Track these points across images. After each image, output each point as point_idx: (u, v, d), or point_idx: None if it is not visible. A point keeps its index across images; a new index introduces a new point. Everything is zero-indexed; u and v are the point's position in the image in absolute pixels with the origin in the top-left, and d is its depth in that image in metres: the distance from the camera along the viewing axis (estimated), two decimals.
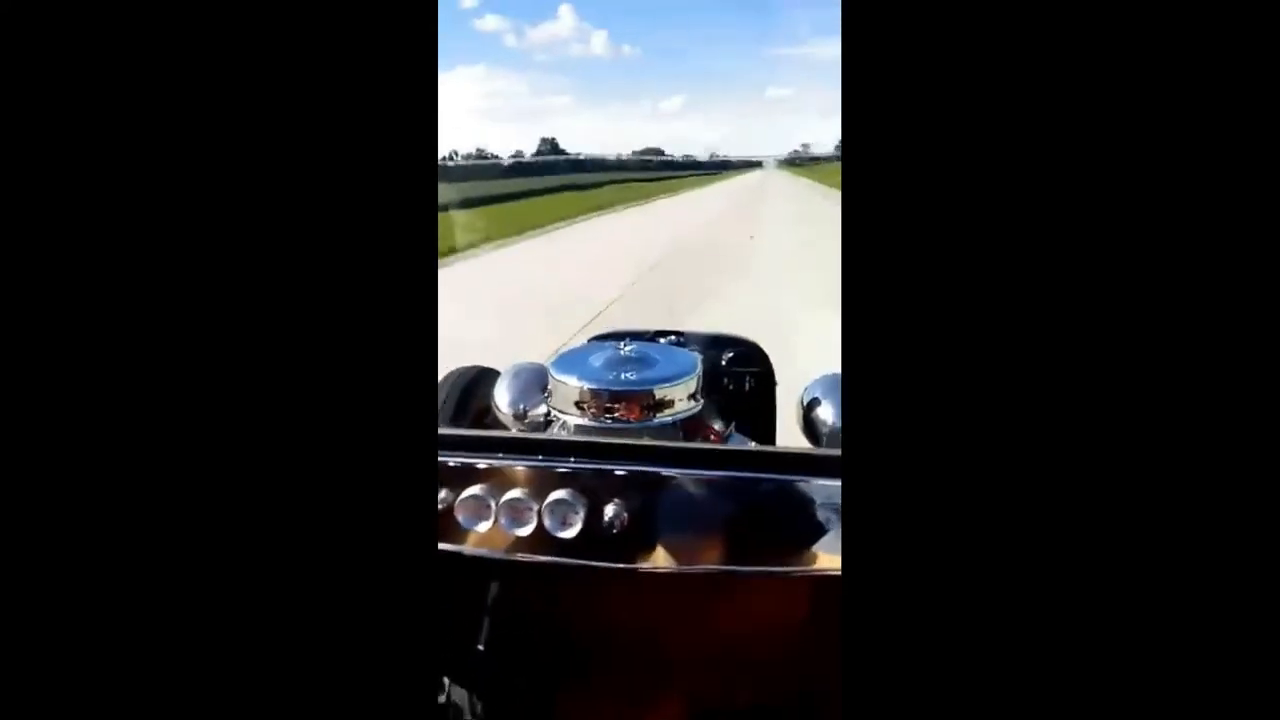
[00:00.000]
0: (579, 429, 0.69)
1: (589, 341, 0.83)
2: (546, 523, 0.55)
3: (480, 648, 0.65)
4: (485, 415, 0.85)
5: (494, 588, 0.64)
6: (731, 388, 0.88)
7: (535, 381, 0.79)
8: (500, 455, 0.58)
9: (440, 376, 0.91)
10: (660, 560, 0.55)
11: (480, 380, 0.90)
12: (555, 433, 0.72)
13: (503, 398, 0.80)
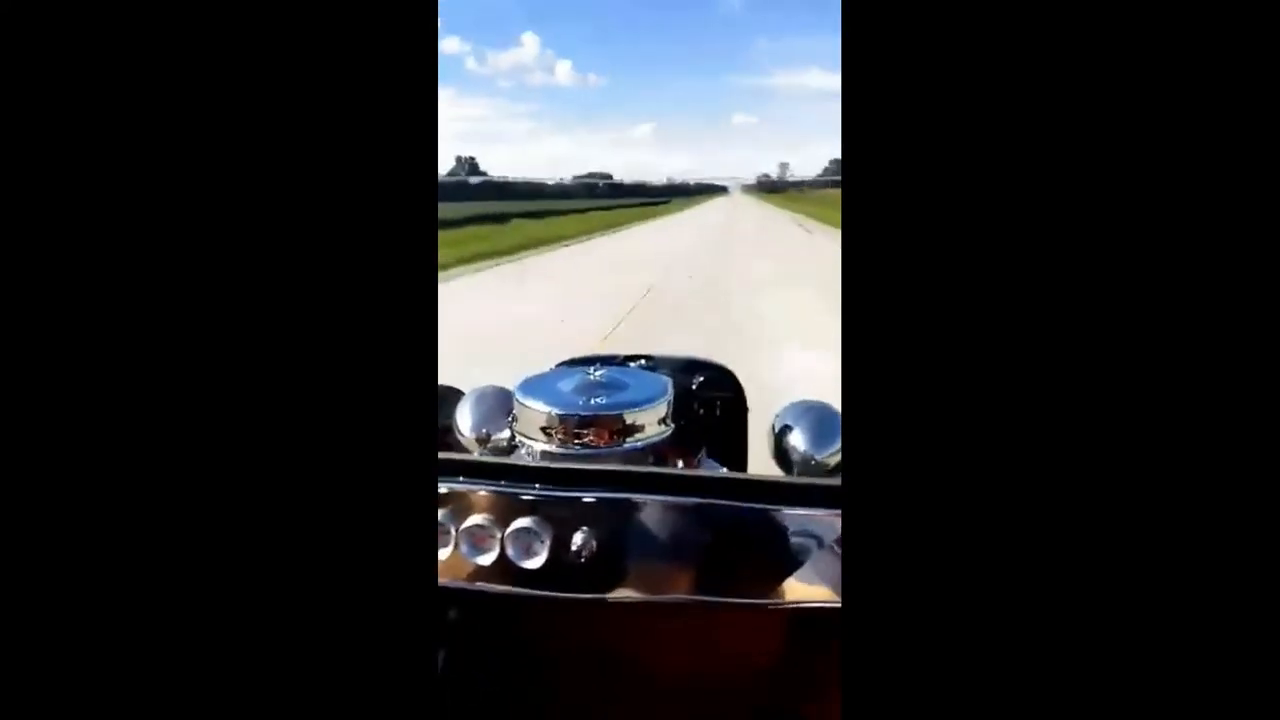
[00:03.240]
0: (545, 455, 0.67)
1: (557, 366, 0.81)
2: (509, 551, 0.53)
3: (438, 678, 0.63)
4: (445, 436, 0.82)
5: (453, 617, 0.61)
6: (703, 413, 0.87)
7: (499, 405, 0.77)
8: (460, 479, 0.56)
9: None
10: (629, 590, 0.54)
11: (441, 400, 0.88)
12: (519, 458, 0.70)
13: (464, 421, 0.78)
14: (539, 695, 0.65)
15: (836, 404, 0.79)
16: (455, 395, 0.85)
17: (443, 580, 0.55)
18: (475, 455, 0.75)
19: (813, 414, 0.78)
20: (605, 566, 0.53)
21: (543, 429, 0.68)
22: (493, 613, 0.58)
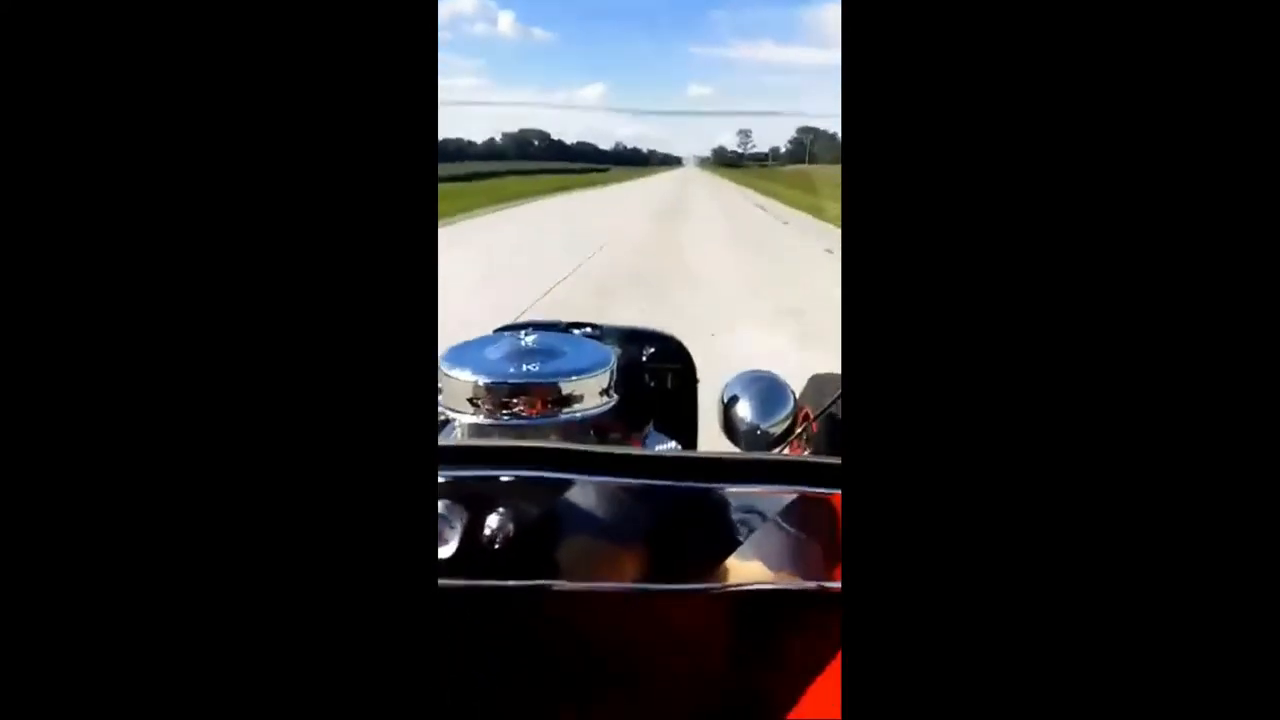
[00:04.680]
0: (474, 429, 0.61)
1: (493, 333, 0.74)
2: None
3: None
4: None
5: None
6: (652, 384, 0.82)
7: None
8: None
9: None
10: (557, 577, 0.48)
11: None
12: (448, 435, 0.64)
13: None
14: (466, 688, 0.60)
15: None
16: None
17: None
18: None
19: (760, 384, 0.74)
20: (532, 552, 0.47)
21: (469, 400, 0.61)
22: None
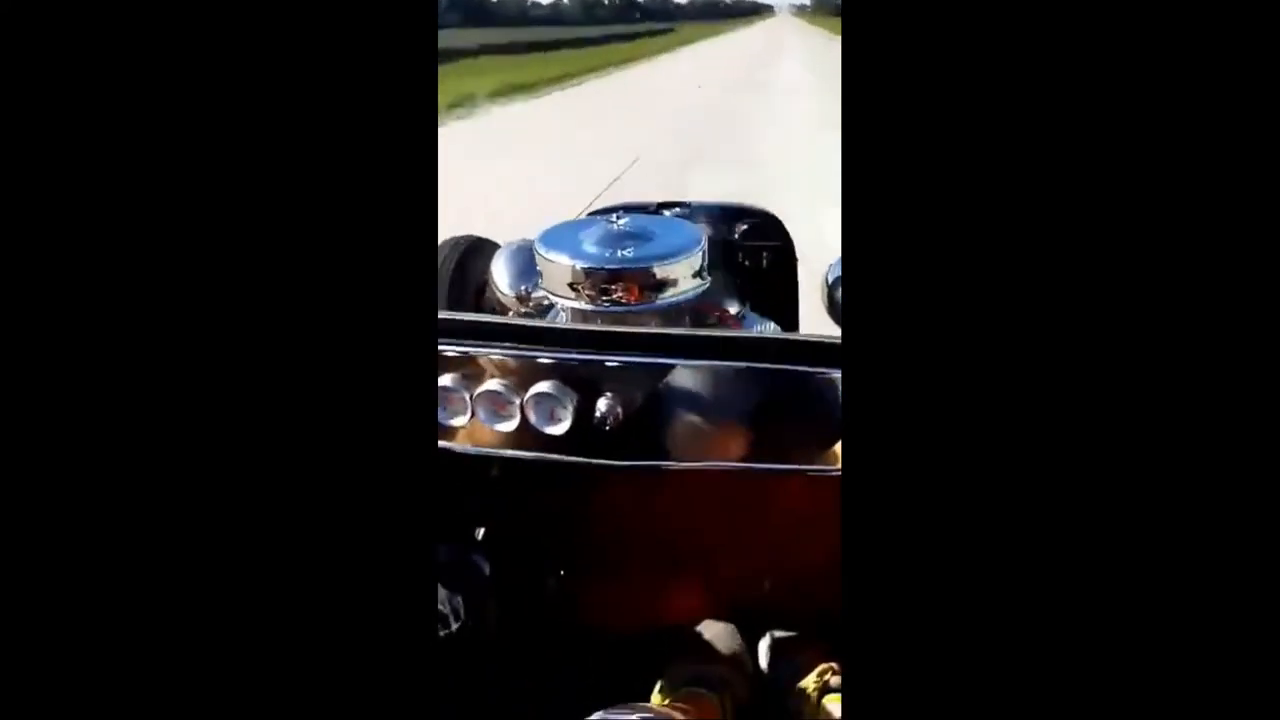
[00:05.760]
0: (576, 314, 0.63)
1: (587, 215, 0.74)
2: (531, 417, 0.50)
3: (472, 547, 0.63)
4: (483, 294, 0.77)
5: (478, 486, 0.60)
6: (747, 264, 0.80)
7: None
8: (473, 343, 0.52)
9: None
10: (660, 457, 0.51)
11: (476, 252, 0.82)
12: (553, 318, 0.66)
13: (501, 277, 0.72)
14: (576, 557, 0.65)
15: None
16: (491, 249, 0.79)
17: (461, 447, 0.53)
18: (510, 316, 0.71)
19: None
20: (636, 432, 0.50)
21: (570, 285, 0.62)
22: (518, 479, 0.57)
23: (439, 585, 0.60)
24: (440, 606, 0.59)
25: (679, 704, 0.62)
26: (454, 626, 0.59)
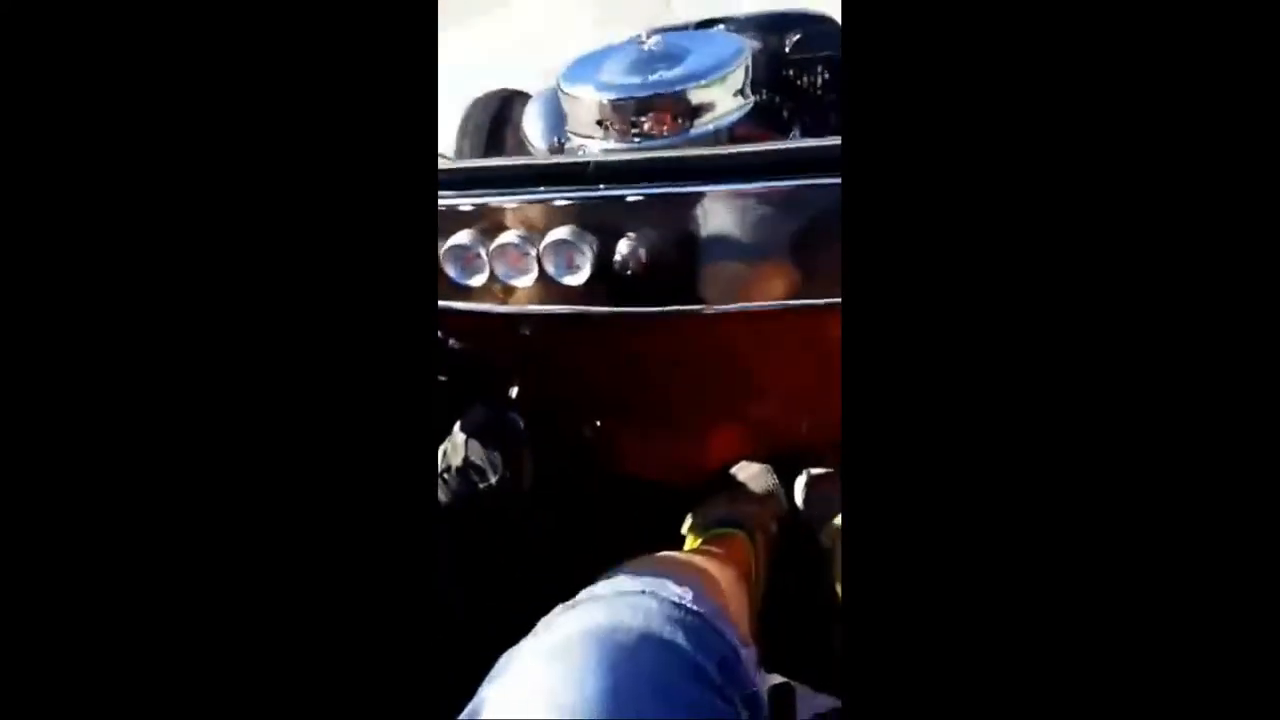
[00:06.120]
0: (606, 153, 0.57)
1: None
2: (549, 268, 0.47)
3: (504, 404, 0.63)
4: (518, 151, 0.72)
5: (500, 344, 0.59)
6: (799, 81, 0.70)
7: None
8: (486, 191, 0.48)
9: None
10: (690, 301, 0.47)
11: (508, 106, 0.77)
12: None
13: (533, 128, 0.66)
14: (608, 408, 0.65)
15: None
16: (523, 100, 0.73)
17: (483, 306, 0.51)
18: (497, 160, 0.66)
19: None
20: (664, 274, 0.46)
21: (597, 122, 0.56)
22: (544, 334, 0.55)
23: (477, 442, 0.61)
24: (477, 460, 0.60)
25: (709, 544, 0.64)
26: (492, 479, 0.61)
